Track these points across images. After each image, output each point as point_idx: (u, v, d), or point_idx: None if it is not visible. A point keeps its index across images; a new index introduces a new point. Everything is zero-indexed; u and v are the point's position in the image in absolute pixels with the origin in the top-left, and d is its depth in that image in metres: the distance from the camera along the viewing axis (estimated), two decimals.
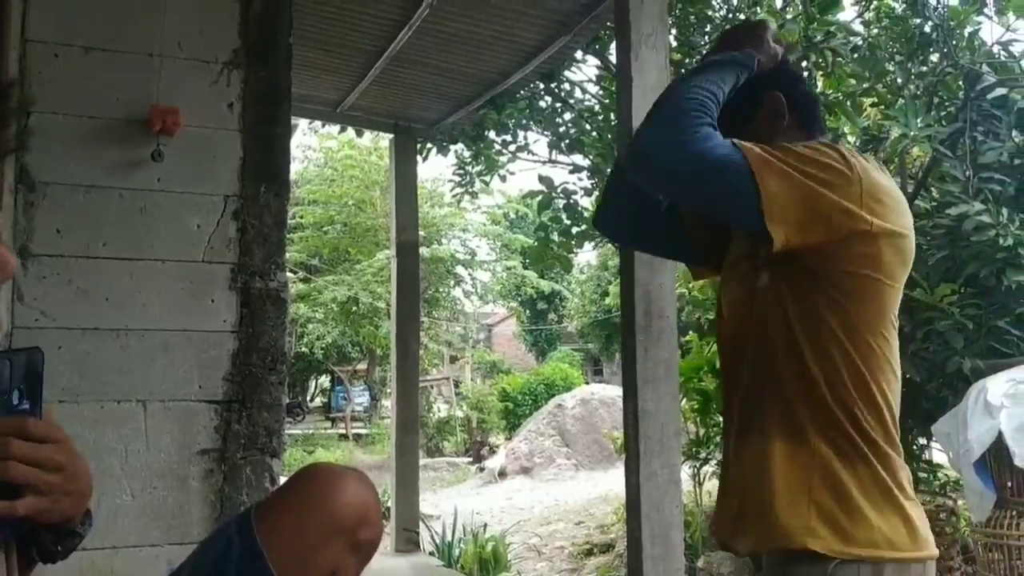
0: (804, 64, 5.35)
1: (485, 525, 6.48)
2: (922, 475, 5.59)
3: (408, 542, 5.91)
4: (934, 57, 5.03)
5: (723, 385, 1.61)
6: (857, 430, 1.37)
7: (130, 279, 2.45)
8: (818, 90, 5.32)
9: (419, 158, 6.63)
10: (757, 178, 1.31)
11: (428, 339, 17.07)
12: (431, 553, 6.07)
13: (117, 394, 2.41)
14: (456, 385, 19.24)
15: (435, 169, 25.57)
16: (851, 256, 1.37)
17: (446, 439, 16.02)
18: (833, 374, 1.38)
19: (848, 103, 5.28)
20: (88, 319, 2.40)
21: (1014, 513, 4.15)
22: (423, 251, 12.40)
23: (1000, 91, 4.93)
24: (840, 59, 5.07)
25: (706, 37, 5.60)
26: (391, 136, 6.51)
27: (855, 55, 5.06)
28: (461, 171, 7.04)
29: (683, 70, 5.65)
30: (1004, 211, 4.65)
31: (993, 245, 4.59)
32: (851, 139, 5.84)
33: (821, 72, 5.32)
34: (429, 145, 6.69)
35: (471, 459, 14.78)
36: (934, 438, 4.95)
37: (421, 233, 8.14)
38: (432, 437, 15.65)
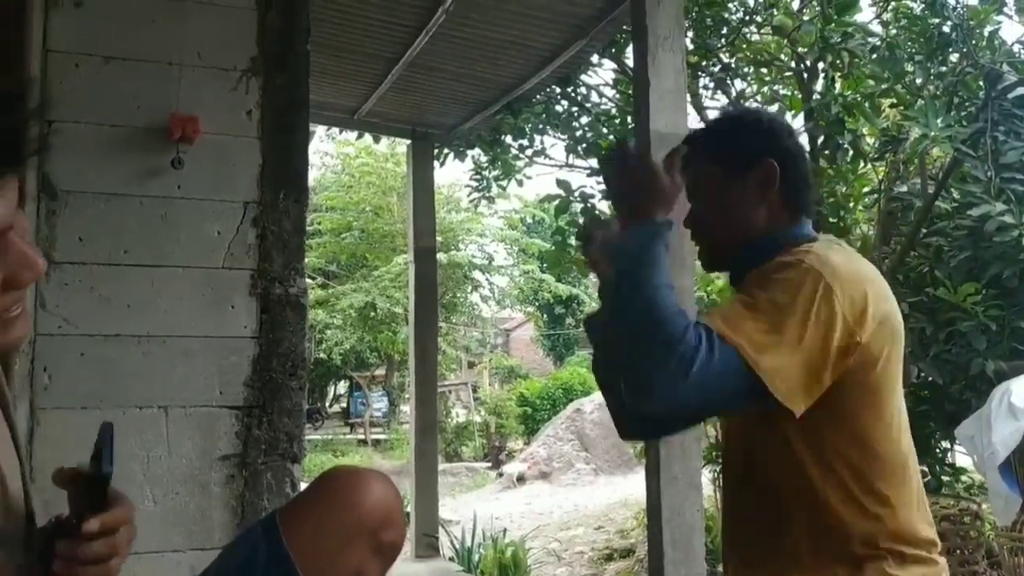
0: (821, 66, 5.33)
1: (504, 530, 6.48)
2: (945, 479, 5.54)
3: (428, 547, 5.91)
4: (953, 57, 5.00)
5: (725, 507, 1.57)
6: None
7: (151, 286, 2.46)
8: (836, 91, 5.30)
9: (436, 163, 6.65)
10: (752, 366, 1.25)
11: (446, 344, 17.07)
12: (451, 558, 6.07)
13: (139, 400, 2.42)
14: (474, 390, 19.26)
15: (452, 174, 25.61)
16: (847, 371, 1.33)
17: (465, 444, 16.03)
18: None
19: (867, 104, 5.25)
20: (110, 326, 2.42)
21: None
22: (440, 256, 12.42)
23: (1021, 90, 4.89)
24: (858, 60, 5.05)
25: (722, 40, 5.59)
26: (408, 142, 6.53)
27: (873, 56, 5.03)
28: (478, 176, 7.06)
29: (699, 73, 5.65)
30: None
31: (1016, 246, 4.55)
32: (870, 140, 5.80)
33: (839, 73, 5.30)
34: (446, 150, 6.72)
35: (490, 464, 14.78)
36: (957, 441, 4.90)
37: (438, 238, 8.16)
38: (451, 442, 15.66)
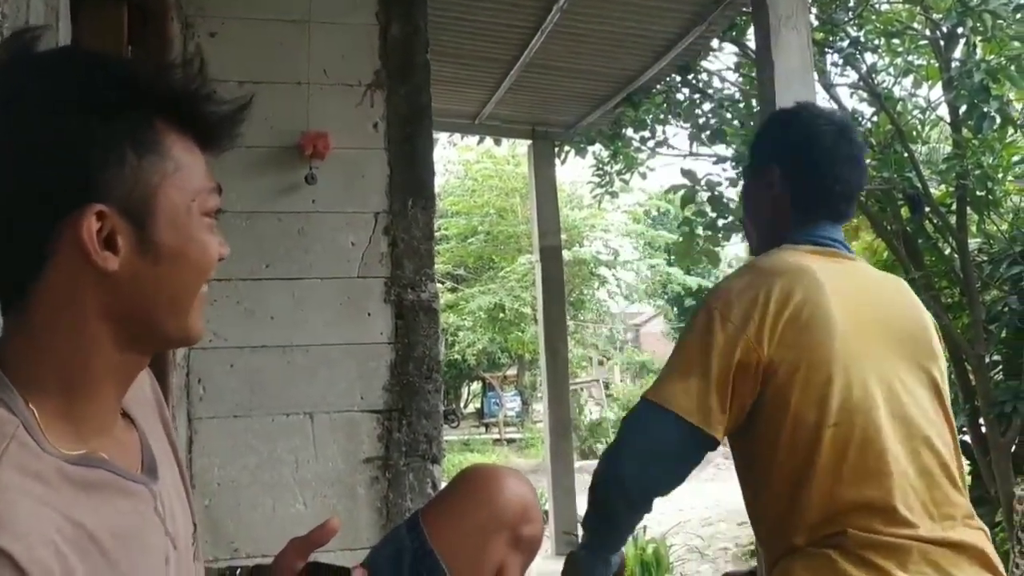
0: (960, 31, 5.03)
1: (645, 527, 6.41)
2: None
3: (567, 545, 5.93)
4: None
5: None
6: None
7: (292, 297, 2.57)
8: (978, 57, 4.99)
9: (557, 162, 6.65)
10: (652, 400, 1.40)
11: (575, 342, 17.08)
12: None
13: (286, 407, 2.53)
14: (606, 387, 19.18)
15: (573, 172, 25.62)
16: (763, 384, 1.39)
17: (599, 441, 15.97)
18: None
19: (1012, 68, 4.92)
20: (256, 337, 2.54)
21: None
22: (565, 254, 12.43)
23: None
24: (1001, 21, 4.73)
25: (849, 13, 5.35)
26: (529, 142, 6.57)
27: (1018, 16, 4.70)
28: (600, 172, 7.02)
29: (827, 50, 5.43)
30: None
31: None
32: (1017, 106, 5.43)
33: (980, 37, 4.99)
34: (567, 148, 6.71)
35: None
36: None
37: (563, 236, 8.16)
38: (585, 439, 15.64)
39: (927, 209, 5.47)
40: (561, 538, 5.90)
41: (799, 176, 1.55)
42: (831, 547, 1.34)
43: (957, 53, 5.15)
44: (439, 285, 2.75)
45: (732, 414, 1.38)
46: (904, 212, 5.63)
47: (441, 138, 11.48)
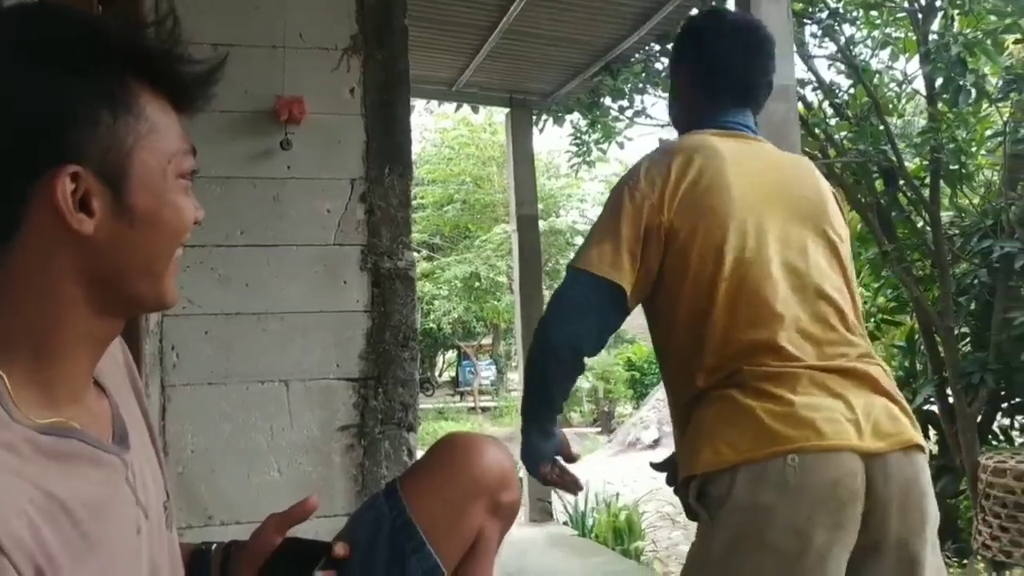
0: (938, 4, 5.04)
1: (617, 494, 6.49)
2: None
3: (542, 512, 5.99)
4: None
5: None
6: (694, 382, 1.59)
7: (267, 265, 2.55)
8: (955, 30, 5.00)
9: (535, 130, 6.62)
10: (576, 265, 1.62)
11: None
12: (564, 523, 6.13)
13: (261, 375, 2.52)
14: None
15: (551, 141, 25.52)
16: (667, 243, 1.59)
17: (574, 410, 16.10)
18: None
19: (989, 42, 4.95)
20: (231, 305, 2.52)
21: None
22: (541, 224, 12.43)
23: None
24: None
25: None
26: (506, 110, 6.52)
27: None
28: (577, 141, 6.99)
29: (806, 21, 5.42)
30: None
31: None
32: (993, 80, 5.46)
33: (957, 11, 5.00)
34: (545, 117, 6.68)
35: (600, 429, 14.81)
36: None
37: (540, 206, 8.14)
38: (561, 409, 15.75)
39: (901, 182, 5.52)
40: (536, 505, 5.95)
41: (701, 69, 1.76)
42: (730, 386, 1.52)
43: (934, 26, 5.17)
44: (415, 254, 2.74)
45: (641, 272, 1.57)
46: (878, 185, 5.67)
47: (417, 105, 11.39)
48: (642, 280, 1.58)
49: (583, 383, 16.90)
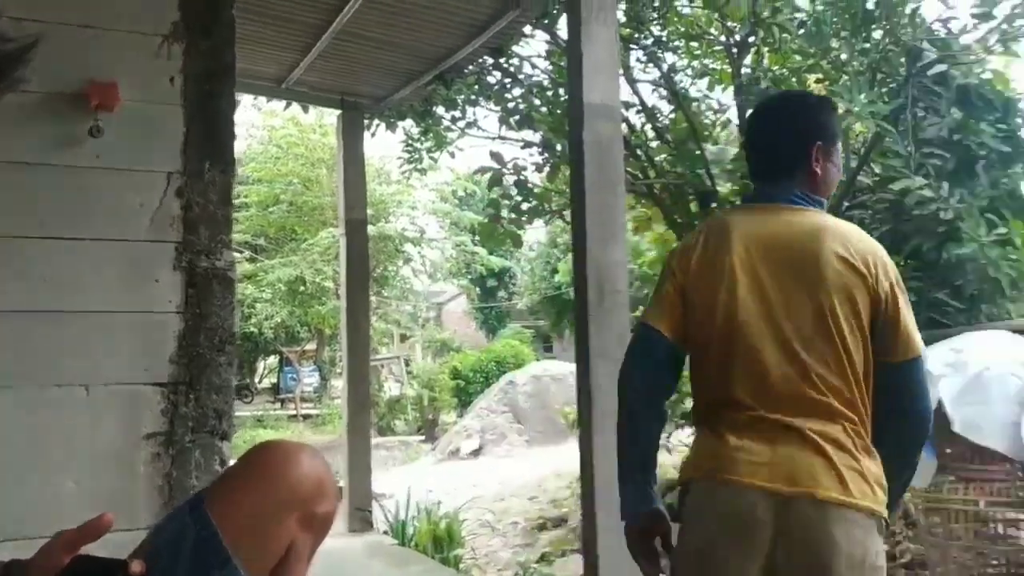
0: (752, 40, 5.39)
1: (439, 503, 6.49)
2: None
3: (361, 521, 5.89)
4: (877, 34, 5.10)
5: None
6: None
7: (69, 260, 2.37)
8: (765, 65, 5.38)
9: (367, 134, 6.54)
10: (644, 319, 1.97)
11: (377, 318, 16.95)
12: (384, 532, 6.06)
13: (59, 378, 2.34)
14: (407, 364, 19.18)
15: (383, 146, 25.28)
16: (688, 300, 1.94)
17: (397, 418, 15.98)
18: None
19: (794, 79, 5.34)
20: (26, 301, 2.32)
21: (953, 479, 4.27)
22: (371, 229, 12.29)
23: (940, 68, 5.02)
24: (787, 35, 5.12)
25: (654, 12, 5.61)
26: (338, 112, 6.41)
27: (801, 31, 5.10)
28: (409, 148, 6.97)
29: (631, 46, 5.66)
30: (945, 185, 4.75)
31: (934, 219, 4.70)
32: None
33: (768, 48, 5.37)
34: (377, 121, 6.61)
35: (423, 438, 14.77)
36: None
37: (369, 211, 8.03)
38: (383, 416, 15.60)
39: (714, 205, 5.86)
40: (355, 515, 5.84)
41: (747, 153, 2.13)
42: (701, 423, 1.91)
43: (748, 60, 5.53)
44: (237, 254, 2.62)
45: (678, 323, 1.89)
46: (694, 206, 5.99)
47: (244, 100, 10.98)
48: (681, 329, 1.91)
49: (408, 391, 16.83)
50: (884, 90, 5.21)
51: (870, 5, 4.96)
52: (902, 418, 1.85)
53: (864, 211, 5.36)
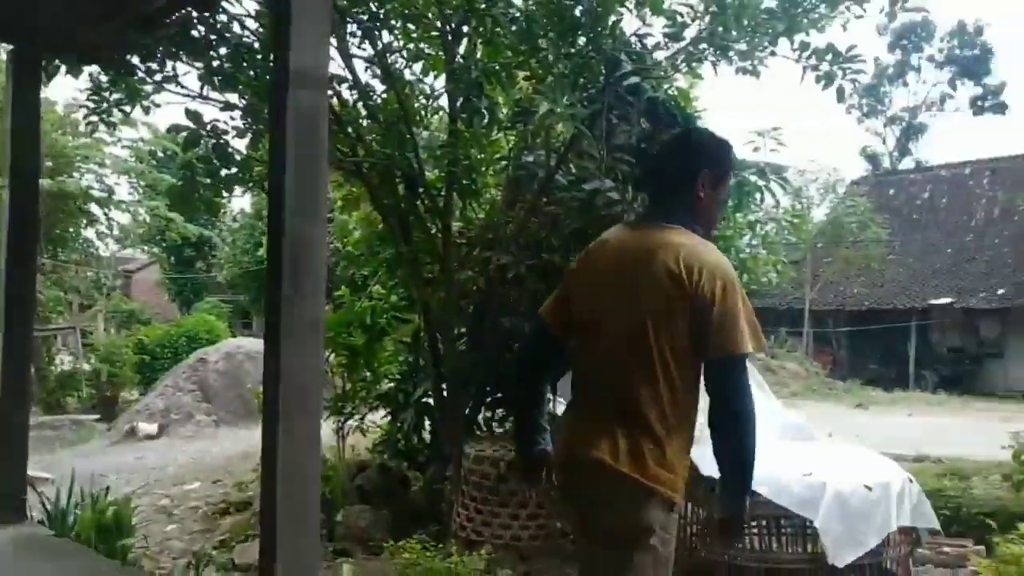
0: (466, 28, 5.47)
1: (107, 488, 5.94)
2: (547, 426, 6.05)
3: (13, 511, 5.23)
4: (582, 40, 5.37)
5: None
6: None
7: None
8: (478, 56, 5.48)
9: (44, 75, 5.80)
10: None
11: (50, 284, 15.29)
12: (40, 522, 5.43)
13: None
14: (84, 335, 17.46)
15: (66, 92, 22.85)
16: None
17: (70, 395, 14.53)
18: None
19: (503, 74, 5.49)
20: None
21: None
22: (46, 183, 11.04)
23: (634, 79, 5.40)
24: (499, 29, 5.24)
25: None
26: (8, 47, 5.62)
27: (513, 27, 5.25)
28: (96, 96, 6.28)
29: (348, 19, 5.51)
30: (631, 189, 5.13)
31: (620, 220, 5.05)
32: (505, 110, 6.10)
33: (481, 40, 5.47)
34: (57, 63, 5.88)
35: (99, 416, 13.54)
36: (560, 393, 5.37)
37: (47, 163, 7.17)
38: (52, 392, 14.12)
39: (421, 190, 5.89)
40: (3, 503, 5.18)
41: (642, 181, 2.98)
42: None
43: (461, 49, 5.60)
44: None
45: (559, 314, 2.41)
46: (400, 189, 5.98)
47: None
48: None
49: (84, 365, 15.38)
50: (584, 95, 5.51)
51: (577, 12, 5.21)
52: (715, 412, 2.12)
53: (560, 208, 5.65)
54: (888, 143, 36.87)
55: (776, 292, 18.42)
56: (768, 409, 4.77)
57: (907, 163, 34.95)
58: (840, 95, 5.15)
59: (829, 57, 5.07)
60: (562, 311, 2.35)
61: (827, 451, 4.85)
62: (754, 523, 4.19)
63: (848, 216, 23.36)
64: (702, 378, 2.17)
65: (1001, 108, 34.78)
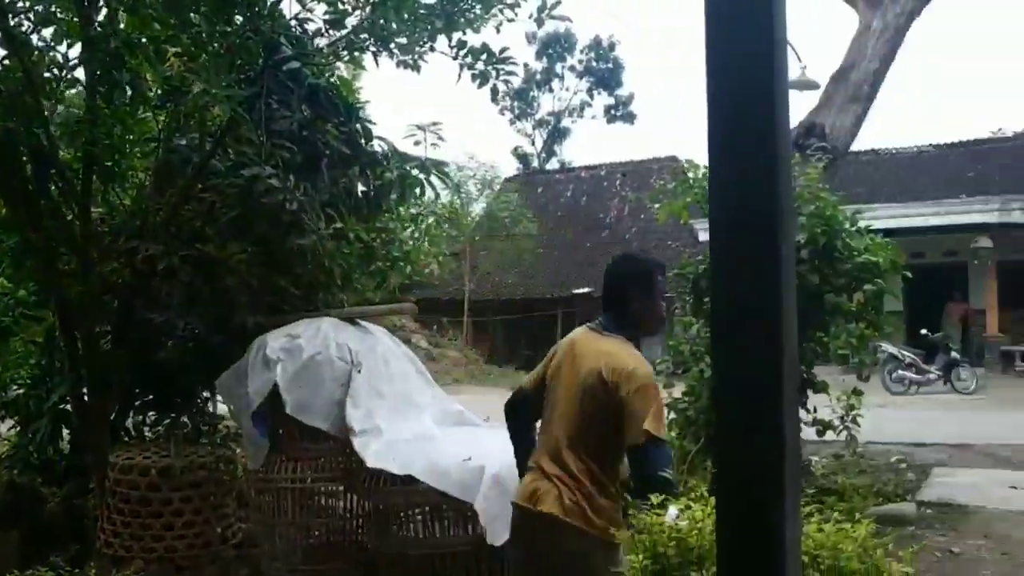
0: None
1: None
2: (204, 428, 5.73)
3: None
4: (239, 18, 5.09)
5: None
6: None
7: None
8: (121, 26, 5.00)
9: None
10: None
11: None
12: None
13: None
14: None
15: None
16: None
17: None
18: None
19: (151, 48, 5.07)
20: None
21: (284, 458, 4.50)
22: None
23: (294, 64, 5.25)
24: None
25: None
26: None
27: None
28: None
29: None
30: (292, 177, 4.98)
31: (280, 207, 4.89)
32: (155, 87, 5.62)
33: (123, 7, 5.00)
34: None
35: None
36: (217, 391, 5.10)
37: None
38: None
39: (53, 171, 5.26)
40: None
41: None
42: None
43: (100, 17, 5.06)
44: None
45: (537, 384, 3.08)
46: (28, 169, 5.30)
47: None
48: None
49: None
50: (242, 77, 5.25)
51: None
52: (634, 479, 2.74)
53: (216, 195, 5.33)
54: (537, 144, 39.59)
55: (438, 283, 19.01)
56: (430, 397, 4.89)
57: (553, 164, 37.84)
58: (494, 95, 5.52)
59: (484, 57, 5.30)
60: (539, 383, 3.02)
61: (486, 436, 5.07)
62: (417, 511, 4.26)
63: (502, 211, 24.78)
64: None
65: (630, 117, 38.88)
